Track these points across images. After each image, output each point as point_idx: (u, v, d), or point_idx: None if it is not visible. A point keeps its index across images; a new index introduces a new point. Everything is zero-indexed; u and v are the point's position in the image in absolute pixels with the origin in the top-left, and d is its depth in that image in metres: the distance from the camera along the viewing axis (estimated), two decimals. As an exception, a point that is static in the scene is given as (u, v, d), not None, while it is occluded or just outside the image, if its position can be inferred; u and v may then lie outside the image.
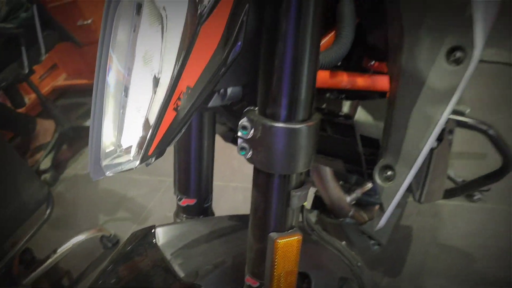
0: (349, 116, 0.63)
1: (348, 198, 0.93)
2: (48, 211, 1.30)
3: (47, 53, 2.03)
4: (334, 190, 0.90)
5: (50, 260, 1.56)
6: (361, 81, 0.61)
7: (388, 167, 0.54)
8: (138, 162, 0.45)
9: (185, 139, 0.65)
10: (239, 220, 0.67)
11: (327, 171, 0.88)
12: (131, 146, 0.47)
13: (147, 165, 0.47)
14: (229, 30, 0.41)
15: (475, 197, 1.23)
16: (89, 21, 2.33)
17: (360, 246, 0.95)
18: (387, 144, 0.56)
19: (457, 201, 1.25)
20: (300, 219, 0.69)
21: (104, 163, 0.48)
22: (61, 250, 1.57)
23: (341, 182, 0.96)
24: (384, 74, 0.62)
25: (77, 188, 2.00)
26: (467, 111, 0.75)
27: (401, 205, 1.07)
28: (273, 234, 0.49)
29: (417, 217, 1.26)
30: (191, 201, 0.69)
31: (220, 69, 0.42)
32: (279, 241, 0.49)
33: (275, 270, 0.51)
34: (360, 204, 0.98)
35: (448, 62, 0.50)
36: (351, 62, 0.64)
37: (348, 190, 0.95)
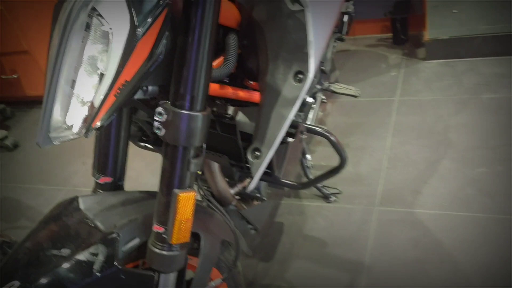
0: (233, 117, 0.88)
1: (232, 191, 1.18)
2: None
3: None
4: (220, 183, 1.14)
5: None
6: (241, 94, 0.87)
7: (256, 149, 0.80)
8: (84, 132, 0.65)
9: (107, 128, 0.85)
10: (147, 193, 0.87)
11: (216, 167, 1.12)
12: (72, 125, 0.66)
13: (87, 136, 0.66)
14: (154, 47, 0.64)
15: (331, 199, 1.55)
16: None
17: (240, 229, 1.19)
18: (256, 135, 0.82)
19: (318, 202, 1.56)
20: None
21: (52, 134, 0.67)
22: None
23: (226, 179, 1.20)
24: (257, 90, 0.88)
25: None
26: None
27: (270, 201, 1.33)
28: (176, 190, 0.71)
29: (287, 215, 1.55)
30: (108, 179, 0.87)
31: (147, 72, 0.65)
32: (181, 194, 0.71)
33: (176, 217, 0.72)
34: (242, 197, 1.23)
35: (294, 81, 0.78)
36: (237, 80, 0.90)
37: (232, 185, 1.19)
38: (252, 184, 0.83)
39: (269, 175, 0.91)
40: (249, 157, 0.81)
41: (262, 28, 0.80)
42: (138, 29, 0.60)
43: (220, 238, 0.91)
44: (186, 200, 0.72)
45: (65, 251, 0.73)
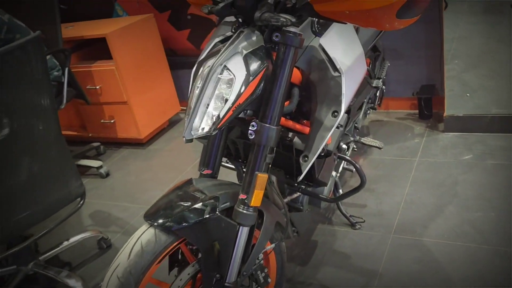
0: (291, 139, 1.39)
1: (281, 203, 1.66)
2: (81, 203, 1.87)
3: (65, 105, 2.68)
4: (276, 193, 1.62)
5: (54, 251, 2.08)
6: (298, 126, 1.38)
7: (305, 156, 1.30)
8: (213, 129, 1.17)
9: (213, 139, 1.37)
10: (230, 182, 1.36)
11: (274, 180, 1.61)
12: (204, 127, 1.19)
13: (212, 133, 1.18)
14: (257, 87, 1.17)
15: (356, 226, 1.98)
16: (98, 87, 3.04)
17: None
18: (305, 148, 1.32)
19: (346, 228, 1.99)
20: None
21: (192, 133, 1.20)
22: (65, 244, 2.11)
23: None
24: (306, 126, 1.39)
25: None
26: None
27: (309, 213, 1.77)
28: (257, 172, 1.20)
29: (321, 236, 1.98)
30: (209, 172, 1.38)
31: (250, 100, 1.17)
32: (259, 175, 1.20)
33: (255, 189, 1.21)
34: (289, 207, 1.70)
35: (332, 116, 1.28)
36: (295, 117, 1.41)
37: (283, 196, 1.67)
38: (301, 176, 1.32)
39: (311, 180, 1.40)
40: (301, 160, 1.31)
41: (315, 85, 1.33)
42: (251, 77, 1.14)
43: (276, 219, 1.38)
44: (262, 179, 1.22)
45: (187, 203, 1.22)
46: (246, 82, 1.15)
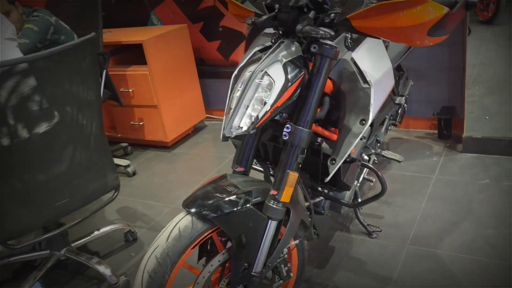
0: (320, 144, 1.50)
1: (306, 204, 1.76)
2: (115, 195, 2.00)
3: (100, 104, 2.82)
4: (300, 195, 1.72)
5: (85, 239, 2.21)
6: (326, 132, 1.49)
7: (333, 159, 1.41)
8: (251, 129, 1.28)
9: (247, 138, 1.48)
10: (260, 180, 1.47)
11: (301, 183, 1.71)
12: (242, 127, 1.31)
13: (250, 132, 1.30)
14: (294, 92, 1.28)
15: (373, 236, 2.07)
16: (131, 90, 3.19)
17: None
18: (333, 152, 1.42)
19: (363, 236, 2.08)
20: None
21: (232, 131, 1.31)
22: (95, 233, 2.23)
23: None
24: (334, 133, 1.50)
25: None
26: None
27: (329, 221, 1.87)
28: (288, 170, 1.31)
29: (339, 242, 2.07)
30: (242, 169, 1.50)
31: (287, 104, 1.29)
32: (290, 173, 1.31)
33: (286, 186, 1.31)
34: (310, 211, 1.79)
35: (359, 124, 1.39)
36: (324, 124, 1.52)
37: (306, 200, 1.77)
38: (329, 177, 1.43)
39: (334, 184, 1.50)
40: (328, 163, 1.42)
41: (345, 95, 1.44)
42: (289, 83, 1.26)
43: (301, 217, 1.48)
44: (293, 176, 1.32)
45: (223, 195, 1.33)
46: (285, 87, 1.27)
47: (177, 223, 1.33)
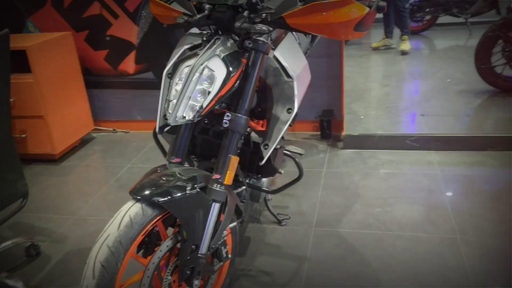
0: (249, 133, 1.64)
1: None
2: (24, 202, 1.86)
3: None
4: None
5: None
6: (252, 124, 1.65)
7: (266, 144, 1.57)
8: (197, 117, 1.38)
9: (183, 130, 1.56)
10: (197, 169, 1.56)
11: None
12: (185, 116, 1.40)
13: (195, 120, 1.40)
14: (235, 82, 1.42)
15: (283, 224, 2.27)
16: (11, 100, 2.96)
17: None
18: (265, 138, 1.59)
19: (274, 225, 2.27)
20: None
21: (176, 120, 1.40)
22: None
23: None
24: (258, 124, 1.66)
25: None
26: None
27: (250, 207, 2.03)
28: (230, 155, 1.43)
29: (253, 232, 2.23)
30: (178, 160, 1.57)
31: (229, 93, 1.42)
32: (232, 157, 1.43)
33: (229, 169, 1.43)
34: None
35: (286, 112, 1.58)
36: (251, 117, 1.68)
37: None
38: (264, 160, 1.58)
39: (259, 172, 1.67)
40: (262, 148, 1.57)
41: (270, 88, 1.61)
42: (232, 73, 1.39)
43: (235, 202, 1.60)
44: (234, 160, 1.45)
45: (170, 182, 1.39)
46: (227, 78, 1.40)
47: (126, 211, 1.35)
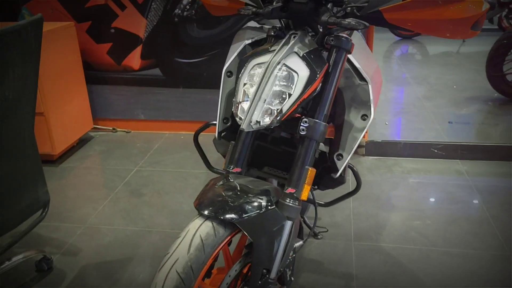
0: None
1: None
2: (44, 213, 1.63)
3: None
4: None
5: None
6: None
7: (340, 154, 1.40)
8: (276, 122, 1.20)
9: (246, 139, 1.38)
10: (259, 180, 1.38)
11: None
12: (260, 121, 1.22)
13: (272, 126, 1.21)
14: (320, 82, 1.24)
15: (319, 237, 2.11)
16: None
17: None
18: (339, 147, 1.42)
19: (309, 238, 2.10)
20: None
21: (252, 125, 1.21)
22: (6, 264, 1.79)
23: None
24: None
25: None
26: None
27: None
28: (307, 167, 1.26)
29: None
30: (238, 169, 1.38)
31: (312, 95, 1.24)
32: (310, 169, 1.26)
33: (306, 183, 1.25)
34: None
35: (361, 119, 1.42)
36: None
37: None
38: (338, 172, 1.41)
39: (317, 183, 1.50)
40: (335, 159, 1.40)
41: (341, 92, 1.45)
42: (317, 74, 1.22)
43: (299, 219, 1.43)
44: (312, 172, 1.27)
45: (242, 197, 1.20)
46: (312, 79, 1.22)
47: (195, 230, 1.16)
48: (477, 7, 1.11)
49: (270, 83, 1.22)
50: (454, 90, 4.11)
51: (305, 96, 1.22)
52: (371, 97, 1.42)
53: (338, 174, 1.44)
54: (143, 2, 3.03)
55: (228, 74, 1.46)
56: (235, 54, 1.46)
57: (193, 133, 1.67)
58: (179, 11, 3.01)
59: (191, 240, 1.14)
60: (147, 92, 3.27)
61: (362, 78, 1.43)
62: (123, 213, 2.35)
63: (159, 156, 2.98)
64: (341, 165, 1.42)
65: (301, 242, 1.45)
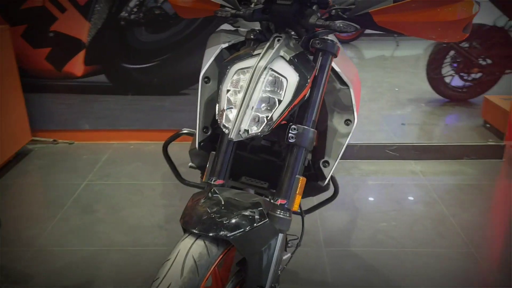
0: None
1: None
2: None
3: None
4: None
5: None
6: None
7: (326, 161, 1.35)
8: (267, 131, 1.13)
9: (225, 148, 1.29)
10: (243, 192, 1.30)
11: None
12: (248, 130, 1.14)
13: (262, 135, 1.14)
14: (310, 87, 1.18)
15: (289, 245, 2.05)
16: None
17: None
18: (324, 154, 1.37)
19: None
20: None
21: (241, 134, 1.13)
22: None
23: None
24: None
25: None
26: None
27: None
28: (298, 176, 1.19)
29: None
30: (221, 181, 1.28)
31: (302, 101, 1.18)
32: (301, 178, 1.19)
33: (297, 192, 1.19)
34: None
35: (344, 124, 1.38)
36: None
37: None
38: (326, 180, 1.36)
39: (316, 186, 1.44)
40: (321, 166, 1.35)
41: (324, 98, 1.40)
42: (307, 79, 1.16)
43: (285, 231, 1.37)
44: (303, 181, 1.21)
45: (233, 211, 1.11)
46: (304, 83, 1.16)
47: (187, 251, 1.05)
48: (468, 10, 1.10)
49: (258, 90, 1.14)
50: (396, 93, 4.25)
51: (296, 102, 1.16)
52: (353, 102, 1.39)
53: (326, 181, 1.39)
54: (86, 4, 2.83)
55: (206, 80, 1.37)
56: (212, 58, 1.37)
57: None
58: (126, 14, 2.85)
59: (183, 262, 1.04)
60: (92, 100, 3.07)
61: (342, 83, 1.40)
62: (75, 232, 2.16)
63: (109, 168, 2.79)
64: (328, 172, 1.37)
65: (289, 255, 1.38)
